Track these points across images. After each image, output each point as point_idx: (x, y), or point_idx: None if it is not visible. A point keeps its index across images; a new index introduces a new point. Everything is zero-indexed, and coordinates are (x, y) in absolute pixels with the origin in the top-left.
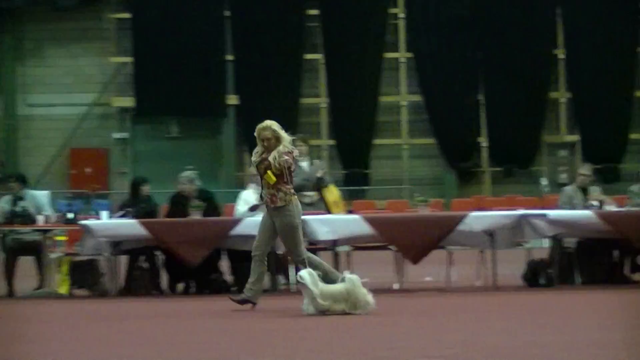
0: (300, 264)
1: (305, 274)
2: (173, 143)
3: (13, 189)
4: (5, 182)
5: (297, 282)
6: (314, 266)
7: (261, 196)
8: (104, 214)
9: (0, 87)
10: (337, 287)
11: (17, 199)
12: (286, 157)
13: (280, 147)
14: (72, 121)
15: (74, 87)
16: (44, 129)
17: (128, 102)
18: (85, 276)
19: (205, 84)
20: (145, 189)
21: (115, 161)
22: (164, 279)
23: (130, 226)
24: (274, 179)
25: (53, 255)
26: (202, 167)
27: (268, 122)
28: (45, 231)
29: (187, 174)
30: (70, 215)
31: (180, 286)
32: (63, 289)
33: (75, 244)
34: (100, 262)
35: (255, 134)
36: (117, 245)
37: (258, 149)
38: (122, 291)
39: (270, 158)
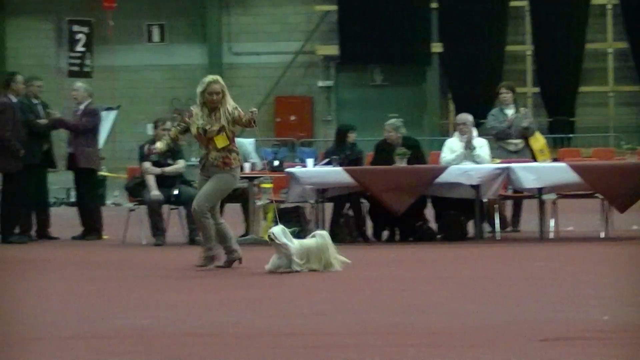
0: (194, 215)
1: (278, 230)
2: (377, 91)
3: None
4: None
5: (269, 239)
6: (201, 228)
7: (201, 160)
8: (310, 161)
9: (206, 35)
10: (310, 242)
11: None
12: (253, 110)
13: (231, 102)
14: (277, 69)
15: (279, 36)
16: (249, 77)
17: (332, 50)
18: (290, 223)
19: (409, 32)
20: (351, 137)
21: (319, 109)
22: (369, 227)
23: (335, 174)
24: (227, 142)
25: (259, 203)
26: (406, 115)
27: (215, 76)
28: (251, 178)
29: (393, 121)
30: (275, 163)
31: (385, 234)
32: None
33: (281, 191)
34: (305, 209)
35: (198, 89)
36: (323, 192)
37: (198, 111)
38: None
39: (228, 115)
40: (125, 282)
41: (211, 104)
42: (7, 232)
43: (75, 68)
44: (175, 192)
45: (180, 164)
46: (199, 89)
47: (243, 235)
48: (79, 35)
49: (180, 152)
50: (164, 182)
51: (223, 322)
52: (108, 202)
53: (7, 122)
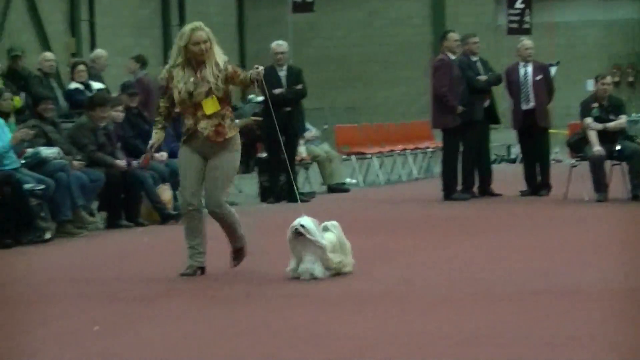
0: (215, 215)
1: (309, 222)
2: None
3: None
4: None
5: (295, 233)
6: (228, 224)
7: (187, 131)
8: None
9: None
10: (332, 237)
11: None
12: (258, 68)
13: (222, 55)
14: None
15: None
16: None
17: None
18: None
19: None
20: None
21: None
22: None
23: None
24: (217, 106)
25: None
26: None
27: (197, 22)
28: None
29: None
30: None
31: None
32: None
33: None
34: None
35: (178, 43)
36: None
37: (179, 72)
38: None
39: (218, 75)
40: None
41: (197, 58)
42: (449, 188)
43: (514, 25)
44: (618, 147)
45: (622, 119)
46: (179, 43)
47: None
48: None
49: (623, 107)
50: (606, 137)
51: None
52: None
53: (443, 79)
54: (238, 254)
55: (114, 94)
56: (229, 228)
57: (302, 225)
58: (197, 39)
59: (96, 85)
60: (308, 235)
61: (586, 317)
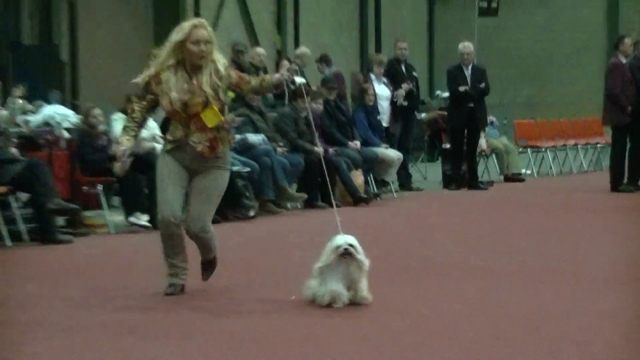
0: (197, 239)
1: (354, 240)
2: None
3: None
4: None
5: (343, 252)
6: (207, 244)
7: (175, 142)
8: None
9: None
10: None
11: None
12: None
13: (221, 58)
14: None
15: None
16: None
17: None
18: None
19: None
20: None
21: None
22: None
23: None
24: (219, 117)
25: None
26: None
27: (198, 18)
28: None
29: None
30: None
31: None
32: None
33: None
34: None
35: (173, 38)
36: None
37: (170, 76)
38: None
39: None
40: None
41: (194, 60)
42: (616, 181)
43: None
44: None
45: None
46: (174, 39)
47: None
48: None
49: None
50: None
51: None
52: None
53: (617, 80)
54: (210, 265)
55: (314, 88)
56: (206, 247)
57: (351, 245)
58: (198, 37)
59: (298, 79)
60: (358, 256)
61: None
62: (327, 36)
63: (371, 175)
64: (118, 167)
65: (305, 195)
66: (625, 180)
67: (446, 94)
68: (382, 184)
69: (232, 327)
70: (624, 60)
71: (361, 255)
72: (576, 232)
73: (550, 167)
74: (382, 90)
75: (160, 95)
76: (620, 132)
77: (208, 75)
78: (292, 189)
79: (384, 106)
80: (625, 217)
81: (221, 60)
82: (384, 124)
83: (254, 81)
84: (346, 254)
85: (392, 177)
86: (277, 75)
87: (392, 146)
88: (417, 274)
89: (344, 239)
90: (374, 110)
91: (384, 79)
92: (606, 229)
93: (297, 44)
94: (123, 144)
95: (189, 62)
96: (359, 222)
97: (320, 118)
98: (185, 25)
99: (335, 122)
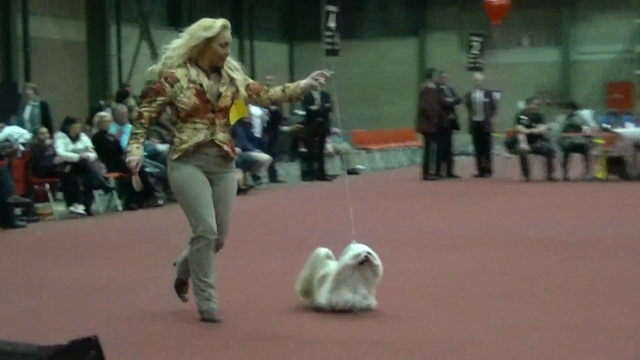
0: (218, 249)
1: (368, 248)
2: None
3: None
4: (564, 107)
5: (364, 259)
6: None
7: (195, 145)
8: (629, 125)
9: (560, 40)
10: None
11: (570, 115)
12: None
13: (232, 61)
14: (608, 63)
15: (609, 40)
16: (588, 69)
17: None
18: (616, 167)
19: None
20: None
21: (637, 90)
22: None
23: None
24: (245, 111)
25: (594, 153)
26: None
27: (223, 19)
28: (589, 137)
29: None
30: (605, 126)
31: None
32: (600, 174)
33: (610, 145)
34: (626, 157)
35: (201, 34)
36: (638, 146)
37: (188, 71)
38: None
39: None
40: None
41: (216, 62)
42: (426, 172)
43: (472, 64)
44: (539, 145)
45: (542, 127)
46: (201, 35)
47: (583, 174)
48: (475, 43)
49: (542, 119)
50: (531, 139)
51: None
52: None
53: (427, 100)
54: (185, 285)
55: None
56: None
57: (369, 253)
58: (227, 38)
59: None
60: (375, 262)
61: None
62: None
63: (249, 173)
64: (137, 184)
65: None
66: (432, 172)
67: (302, 112)
68: (255, 179)
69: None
70: (432, 86)
71: (378, 261)
72: (397, 210)
73: (379, 164)
74: (255, 111)
75: (178, 93)
76: (428, 137)
77: (227, 74)
78: None
79: (257, 122)
80: (432, 198)
81: (232, 61)
82: (257, 135)
83: (272, 90)
84: (365, 261)
85: (263, 173)
86: (307, 81)
87: (263, 151)
88: (289, 247)
89: (361, 247)
90: (250, 125)
91: None
92: (420, 207)
93: None
94: (134, 154)
95: (208, 61)
96: (240, 208)
97: None
98: (217, 25)
99: None
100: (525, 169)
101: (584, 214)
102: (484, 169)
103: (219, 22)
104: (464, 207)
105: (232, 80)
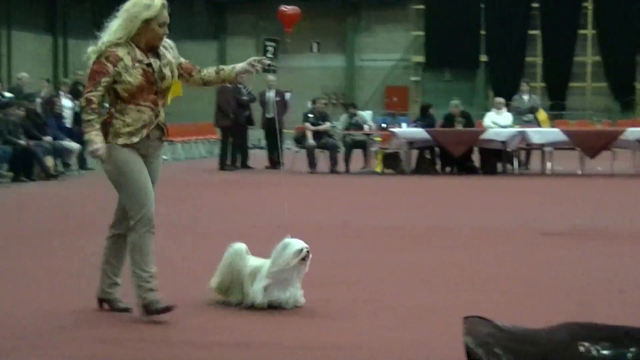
0: (134, 233)
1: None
2: (447, 84)
3: (350, 111)
4: (347, 107)
5: (305, 255)
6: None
7: (138, 129)
8: (404, 125)
9: (345, 49)
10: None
11: (352, 115)
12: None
13: (170, 42)
14: (387, 70)
15: (389, 49)
16: (370, 75)
17: (420, 58)
18: (392, 162)
19: (465, 49)
20: (430, 111)
21: (412, 94)
22: (439, 164)
23: (419, 133)
24: (180, 91)
25: (373, 149)
26: (464, 98)
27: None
28: (368, 135)
29: (455, 102)
30: (383, 125)
31: (448, 169)
32: (378, 168)
33: (387, 143)
34: (401, 153)
35: (141, 14)
36: (412, 144)
37: (128, 51)
38: (413, 171)
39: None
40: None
41: (153, 42)
42: (222, 163)
43: (266, 67)
44: (324, 141)
45: (327, 124)
46: (142, 15)
47: (363, 168)
48: (270, 48)
49: (328, 117)
50: (317, 135)
51: None
52: (284, 147)
53: (225, 98)
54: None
55: None
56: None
57: (307, 249)
58: (165, 19)
59: None
60: (308, 261)
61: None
62: None
63: (59, 160)
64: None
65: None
66: (229, 163)
67: None
68: (65, 165)
69: None
70: (229, 85)
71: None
72: (203, 197)
73: (181, 154)
74: (66, 103)
75: (123, 72)
76: (226, 131)
77: (163, 50)
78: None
79: (68, 113)
80: (229, 187)
81: (170, 42)
82: (68, 125)
83: (205, 71)
84: (306, 258)
85: (73, 160)
86: (243, 65)
87: (73, 140)
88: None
89: (301, 244)
90: (61, 116)
91: (69, 95)
92: (217, 194)
93: None
94: (96, 142)
95: (145, 41)
96: (49, 194)
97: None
98: (156, 4)
99: (32, 124)
100: (312, 162)
101: (361, 203)
102: (275, 162)
103: (158, 1)
104: (255, 195)
105: (167, 60)
